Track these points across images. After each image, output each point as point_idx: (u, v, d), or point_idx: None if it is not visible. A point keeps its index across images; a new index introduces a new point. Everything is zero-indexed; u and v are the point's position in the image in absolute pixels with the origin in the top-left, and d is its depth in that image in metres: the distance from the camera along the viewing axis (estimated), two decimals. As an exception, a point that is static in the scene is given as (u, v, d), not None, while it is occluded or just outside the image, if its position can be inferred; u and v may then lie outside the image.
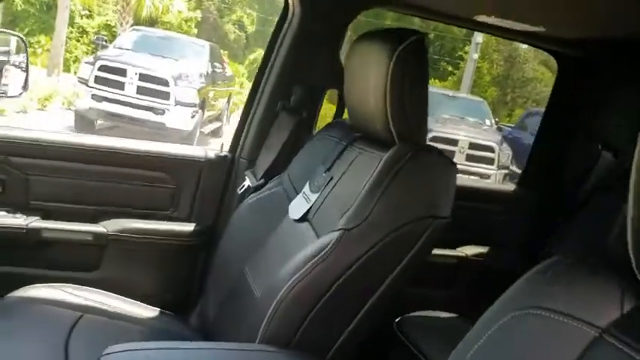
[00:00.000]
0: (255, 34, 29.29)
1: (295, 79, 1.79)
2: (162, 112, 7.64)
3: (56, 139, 1.74)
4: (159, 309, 1.68)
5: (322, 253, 1.20)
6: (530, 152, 2.29)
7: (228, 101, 10.86)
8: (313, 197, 1.45)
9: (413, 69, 1.27)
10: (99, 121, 8.08)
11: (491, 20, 1.75)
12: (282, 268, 1.25)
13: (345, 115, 1.75)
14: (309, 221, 1.43)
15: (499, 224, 2.16)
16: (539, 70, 20.95)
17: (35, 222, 1.70)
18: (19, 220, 1.69)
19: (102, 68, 7.66)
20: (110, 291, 1.66)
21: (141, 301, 1.68)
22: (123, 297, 1.67)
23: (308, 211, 1.44)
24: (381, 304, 1.26)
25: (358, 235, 1.20)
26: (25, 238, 1.69)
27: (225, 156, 1.89)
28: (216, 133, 9.62)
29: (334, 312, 1.23)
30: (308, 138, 1.75)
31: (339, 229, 1.21)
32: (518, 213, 2.17)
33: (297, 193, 1.53)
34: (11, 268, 1.71)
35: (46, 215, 1.74)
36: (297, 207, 1.49)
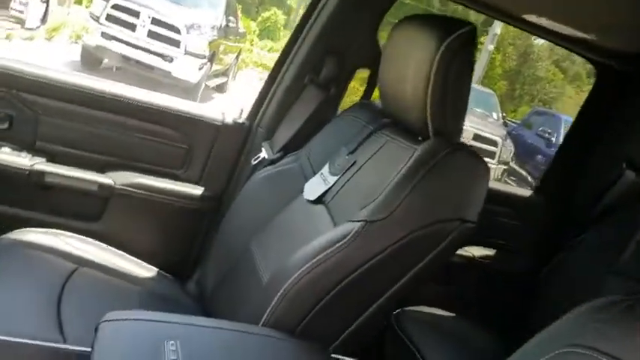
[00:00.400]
0: (272, -9, 28.78)
1: (328, 52, 1.71)
2: (170, 59, 7.47)
3: (72, 80, 1.65)
4: (157, 269, 1.63)
5: (340, 243, 1.14)
6: (553, 159, 2.24)
7: (237, 57, 10.66)
8: (332, 179, 1.39)
9: (460, 63, 1.20)
10: (105, 60, 7.93)
11: (541, 21, 1.67)
12: (294, 252, 1.19)
13: (374, 97, 1.67)
14: (325, 204, 1.37)
15: (510, 228, 2.11)
16: (551, 71, 20.83)
17: (40, 164, 1.63)
18: (23, 160, 1.62)
19: (115, 7, 7.47)
20: (109, 244, 1.62)
21: (139, 259, 1.63)
22: (121, 252, 1.62)
23: (325, 193, 1.39)
24: (393, 301, 1.21)
25: (381, 229, 1.14)
26: (27, 179, 1.62)
27: (243, 123, 1.82)
28: (221, 88, 9.42)
29: (344, 305, 1.18)
30: (333, 116, 1.68)
31: (360, 220, 1.15)
32: (531, 219, 2.12)
33: (315, 173, 1.47)
34: (8, 208, 1.65)
35: (52, 158, 1.67)
36: (314, 187, 1.43)
